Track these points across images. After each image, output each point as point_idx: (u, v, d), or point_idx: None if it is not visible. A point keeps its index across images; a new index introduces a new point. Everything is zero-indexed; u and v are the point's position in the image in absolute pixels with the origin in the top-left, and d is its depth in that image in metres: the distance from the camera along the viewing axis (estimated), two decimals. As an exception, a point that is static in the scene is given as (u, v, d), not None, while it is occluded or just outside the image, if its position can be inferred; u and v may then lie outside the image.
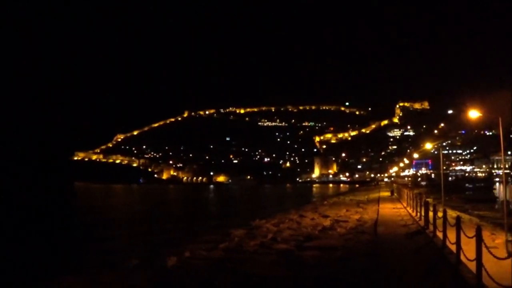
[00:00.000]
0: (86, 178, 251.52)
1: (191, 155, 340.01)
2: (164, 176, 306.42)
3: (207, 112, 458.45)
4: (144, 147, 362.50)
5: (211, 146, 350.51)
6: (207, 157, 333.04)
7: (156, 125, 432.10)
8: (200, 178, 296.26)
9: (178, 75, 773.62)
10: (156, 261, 15.81)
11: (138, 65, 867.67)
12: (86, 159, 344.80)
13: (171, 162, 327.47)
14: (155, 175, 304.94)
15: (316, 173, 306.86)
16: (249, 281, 12.65)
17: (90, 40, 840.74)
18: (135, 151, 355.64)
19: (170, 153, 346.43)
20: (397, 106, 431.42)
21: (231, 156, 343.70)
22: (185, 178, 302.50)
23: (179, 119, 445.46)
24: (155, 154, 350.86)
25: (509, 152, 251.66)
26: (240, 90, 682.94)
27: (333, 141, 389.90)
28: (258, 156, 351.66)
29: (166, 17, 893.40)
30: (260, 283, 12.51)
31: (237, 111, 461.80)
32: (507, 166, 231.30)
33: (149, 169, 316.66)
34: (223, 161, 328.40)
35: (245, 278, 12.80)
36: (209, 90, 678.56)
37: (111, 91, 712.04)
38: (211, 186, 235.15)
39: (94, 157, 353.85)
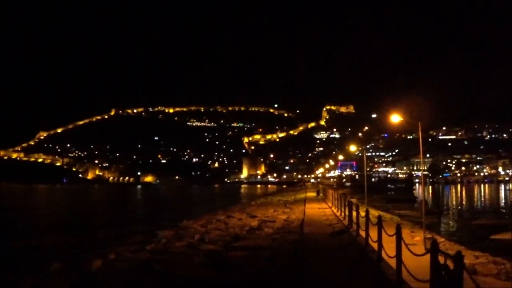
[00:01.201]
0: (6, 177, 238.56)
1: (117, 154, 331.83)
2: (89, 176, 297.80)
3: (135, 111, 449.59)
4: (68, 145, 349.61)
5: (139, 146, 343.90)
6: (134, 157, 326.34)
7: (81, 122, 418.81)
8: (127, 178, 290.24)
9: (107, 72, 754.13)
10: (79, 264, 15.30)
11: (64, 59, 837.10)
12: (6, 158, 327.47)
13: (96, 161, 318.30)
14: (80, 175, 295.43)
15: (245, 173, 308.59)
16: (176, 282, 12.55)
17: (10, 32, 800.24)
18: (58, 150, 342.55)
19: (96, 152, 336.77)
20: (324, 109, 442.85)
21: (159, 156, 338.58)
22: (111, 178, 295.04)
23: (106, 117, 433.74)
24: (80, 153, 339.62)
25: (427, 155, 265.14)
26: (170, 89, 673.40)
27: (261, 142, 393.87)
28: (186, 156, 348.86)
29: (92, 12, 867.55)
30: (187, 284, 12.44)
31: (166, 111, 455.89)
32: (425, 168, 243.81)
33: (74, 169, 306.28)
34: (151, 161, 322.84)
35: (171, 280, 12.68)
36: (138, 88, 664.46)
37: (33, 85, 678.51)
38: (139, 186, 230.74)
39: (14, 155, 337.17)
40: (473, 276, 11.47)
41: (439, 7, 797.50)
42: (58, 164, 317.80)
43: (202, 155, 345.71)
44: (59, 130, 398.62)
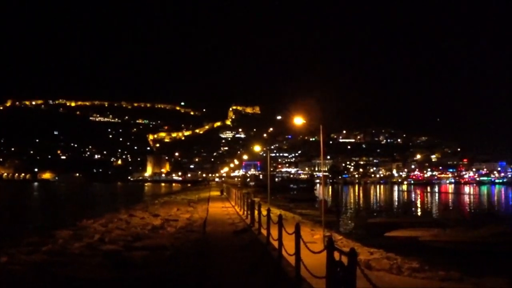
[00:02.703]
0: None
1: (13, 149, 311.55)
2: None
3: (33, 103, 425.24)
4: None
5: (37, 140, 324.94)
6: (31, 152, 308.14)
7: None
8: (23, 174, 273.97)
9: (2, 59, 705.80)
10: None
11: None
12: None
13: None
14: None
15: (149, 171, 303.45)
16: (73, 285, 12.07)
17: None
18: None
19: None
20: (231, 109, 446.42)
21: (58, 152, 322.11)
22: (5, 174, 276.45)
23: (1, 108, 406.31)
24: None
25: (328, 157, 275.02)
26: (72, 81, 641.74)
27: (166, 140, 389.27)
28: (88, 153, 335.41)
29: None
30: (84, 287, 12.02)
31: (68, 104, 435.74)
32: (326, 169, 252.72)
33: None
34: (49, 156, 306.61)
35: (68, 283, 12.17)
36: (37, 78, 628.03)
37: None
38: (35, 183, 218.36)
39: None
40: (368, 271, 12.13)
41: (342, 14, 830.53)
42: None
43: (105, 152, 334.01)
44: None
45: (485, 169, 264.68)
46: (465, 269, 15.25)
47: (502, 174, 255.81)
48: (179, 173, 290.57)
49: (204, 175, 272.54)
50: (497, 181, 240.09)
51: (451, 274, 13.60)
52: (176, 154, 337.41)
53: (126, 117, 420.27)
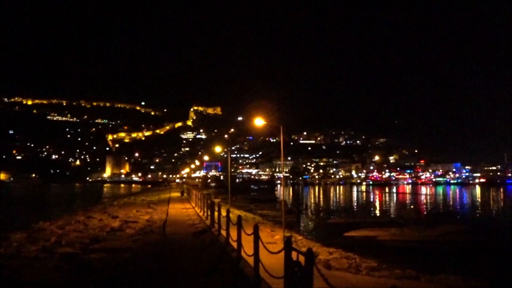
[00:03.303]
0: None
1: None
2: None
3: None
4: None
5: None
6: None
7: None
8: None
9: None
10: None
11: None
12: None
13: None
14: None
15: (108, 172, 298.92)
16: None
17: None
18: None
19: None
20: (192, 109, 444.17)
21: (14, 152, 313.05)
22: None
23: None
24: None
25: (289, 158, 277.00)
26: (29, 79, 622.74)
27: (126, 140, 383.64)
28: (45, 153, 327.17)
29: None
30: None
31: (24, 102, 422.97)
32: (286, 170, 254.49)
33: None
34: (4, 156, 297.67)
35: (22, 287, 11.85)
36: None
37: None
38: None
39: None
40: (327, 270, 12.29)
41: (302, 15, 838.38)
42: None
43: (63, 152, 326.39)
44: None
45: (441, 170, 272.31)
46: (421, 267, 15.65)
47: (457, 175, 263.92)
48: (139, 174, 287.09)
49: (164, 176, 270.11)
50: (452, 181, 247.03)
51: (407, 272, 13.94)
52: (136, 154, 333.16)
53: (85, 117, 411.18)
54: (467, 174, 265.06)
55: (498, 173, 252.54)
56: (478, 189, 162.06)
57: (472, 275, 16.03)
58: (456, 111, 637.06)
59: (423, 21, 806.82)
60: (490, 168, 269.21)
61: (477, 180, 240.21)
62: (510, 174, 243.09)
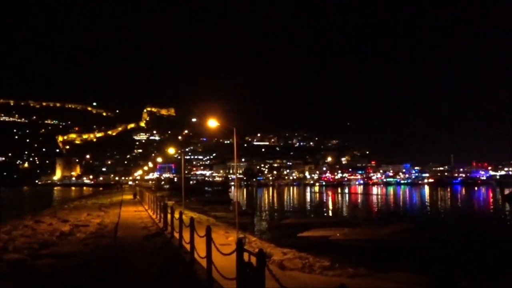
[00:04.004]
0: None
1: None
2: None
3: None
4: None
5: None
6: None
7: None
8: None
9: None
10: None
11: None
12: None
13: None
14: None
15: (58, 175, 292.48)
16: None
17: None
18: None
19: None
20: (145, 110, 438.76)
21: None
22: None
23: None
24: None
25: (243, 159, 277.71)
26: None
27: (77, 142, 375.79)
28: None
29: None
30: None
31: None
32: (240, 171, 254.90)
33: None
34: None
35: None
36: None
37: None
38: None
39: None
40: (281, 271, 12.39)
41: (258, 18, 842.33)
42: None
43: (10, 154, 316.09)
44: None
45: (391, 171, 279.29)
46: (372, 265, 16.01)
47: (407, 175, 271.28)
48: (91, 177, 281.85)
49: (117, 178, 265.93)
50: (402, 182, 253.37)
51: (359, 271, 14.24)
52: (88, 156, 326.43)
53: (34, 117, 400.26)
54: (417, 174, 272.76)
55: (446, 174, 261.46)
56: (426, 189, 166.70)
57: (420, 271, 16.55)
58: (406, 113, 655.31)
59: (367, 25, 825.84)
60: (438, 168, 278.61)
61: (426, 180, 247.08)
62: (456, 175, 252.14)
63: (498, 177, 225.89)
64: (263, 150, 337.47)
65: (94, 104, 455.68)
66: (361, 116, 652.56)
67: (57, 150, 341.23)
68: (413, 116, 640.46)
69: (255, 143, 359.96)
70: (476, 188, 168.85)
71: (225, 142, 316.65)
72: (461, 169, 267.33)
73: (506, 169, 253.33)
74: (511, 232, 42.11)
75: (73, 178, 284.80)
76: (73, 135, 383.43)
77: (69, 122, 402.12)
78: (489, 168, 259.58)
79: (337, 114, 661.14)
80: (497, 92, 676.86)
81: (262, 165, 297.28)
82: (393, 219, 40.23)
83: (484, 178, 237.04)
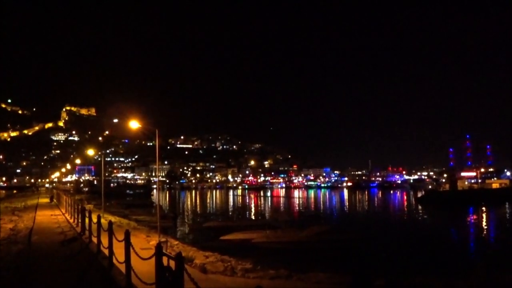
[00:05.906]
0: None
1: None
2: None
3: None
4: None
5: None
6: None
7: None
8: None
9: None
10: None
11: None
12: None
13: None
14: None
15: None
16: None
17: None
18: None
19: None
20: (64, 109, 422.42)
21: None
22: None
23: None
24: None
25: (165, 162, 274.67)
26: None
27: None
28: None
29: None
30: None
31: None
32: (163, 174, 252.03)
33: None
34: None
35: None
36: None
37: None
38: None
39: None
40: (203, 274, 12.31)
41: (183, 19, 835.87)
42: None
43: None
44: None
45: (312, 175, 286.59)
46: (293, 267, 16.30)
47: (327, 179, 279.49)
48: (3, 179, 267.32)
49: (32, 180, 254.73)
50: (322, 185, 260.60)
51: (280, 272, 14.44)
52: (0, 157, 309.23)
53: None
54: (336, 178, 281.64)
55: (364, 178, 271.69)
56: (345, 192, 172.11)
57: (338, 271, 17.05)
58: (326, 118, 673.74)
59: (303, 28, 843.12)
60: (357, 172, 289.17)
61: (345, 184, 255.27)
62: (373, 179, 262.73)
63: (411, 181, 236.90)
64: (186, 152, 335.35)
65: (9, 101, 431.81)
66: (283, 121, 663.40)
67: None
68: (334, 121, 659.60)
69: (178, 145, 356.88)
70: (391, 192, 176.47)
71: (148, 144, 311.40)
72: (378, 173, 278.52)
73: (419, 173, 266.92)
74: (423, 232, 44.43)
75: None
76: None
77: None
78: (404, 172, 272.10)
79: (260, 119, 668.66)
80: (414, 99, 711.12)
81: (185, 168, 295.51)
82: (313, 221, 41.19)
83: (399, 182, 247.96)
